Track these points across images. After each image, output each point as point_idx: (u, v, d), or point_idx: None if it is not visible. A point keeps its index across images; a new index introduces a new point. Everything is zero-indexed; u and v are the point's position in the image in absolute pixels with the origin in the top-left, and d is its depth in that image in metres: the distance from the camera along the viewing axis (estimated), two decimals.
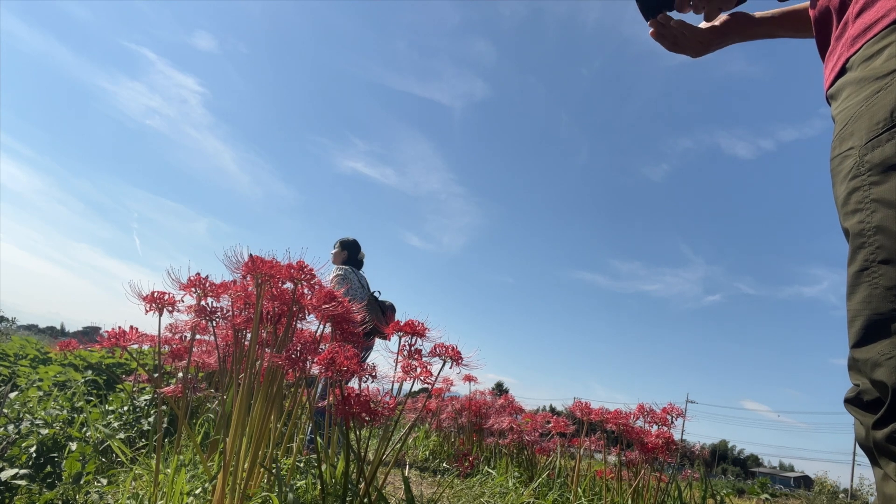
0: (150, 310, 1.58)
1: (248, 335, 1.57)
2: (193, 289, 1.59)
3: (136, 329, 1.66)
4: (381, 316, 3.83)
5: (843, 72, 0.72)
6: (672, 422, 2.54)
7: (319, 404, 2.24)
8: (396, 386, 1.50)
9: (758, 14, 1.08)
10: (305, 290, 1.53)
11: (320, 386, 2.34)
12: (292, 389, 1.75)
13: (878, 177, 0.61)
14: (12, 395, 2.52)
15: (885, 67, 0.63)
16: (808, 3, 0.99)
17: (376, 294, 4.06)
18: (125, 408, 2.49)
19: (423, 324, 1.46)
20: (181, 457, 1.60)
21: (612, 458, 2.79)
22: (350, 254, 4.18)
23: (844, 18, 0.72)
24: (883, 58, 0.64)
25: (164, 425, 2.13)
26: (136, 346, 1.75)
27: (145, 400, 2.56)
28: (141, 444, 2.15)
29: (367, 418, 1.29)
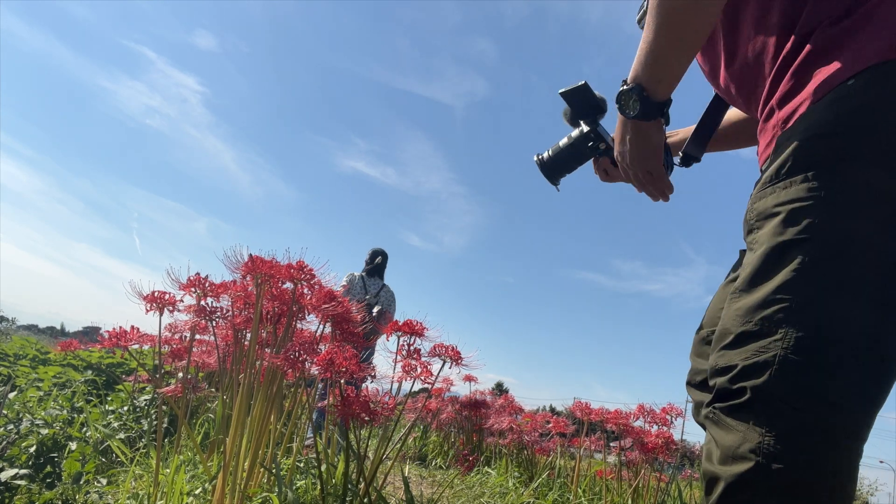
0: (151, 309, 1.58)
1: (248, 335, 1.57)
2: (193, 289, 1.59)
3: (137, 329, 1.66)
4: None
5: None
6: (672, 422, 2.54)
7: (319, 404, 2.24)
8: (396, 386, 1.50)
9: (679, 132, 1.21)
10: (305, 290, 1.53)
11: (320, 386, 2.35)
12: (292, 389, 1.75)
13: (761, 222, 0.76)
14: (12, 395, 2.52)
15: (785, 136, 0.77)
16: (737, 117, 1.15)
17: (372, 302, 4.38)
18: (125, 408, 2.49)
19: (421, 323, 1.46)
20: (181, 457, 1.60)
21: (612, 458, 2.79)
22: (366, 260, 4.79)
23: (770, 106, 0.85)
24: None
25: (165, 425, 2.13)
26: (136, 346, 1.75)
27: (145, 400, 2.56)
28: (141, 444, 2.15)
29: (366, 418, 1.29)
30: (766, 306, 0.70)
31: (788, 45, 0.81)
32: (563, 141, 1.15)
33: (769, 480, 0.64)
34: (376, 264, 4.70)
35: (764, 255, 0.72)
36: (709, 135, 1.13)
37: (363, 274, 4.65)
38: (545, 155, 1.18)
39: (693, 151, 1.14)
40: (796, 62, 0.79)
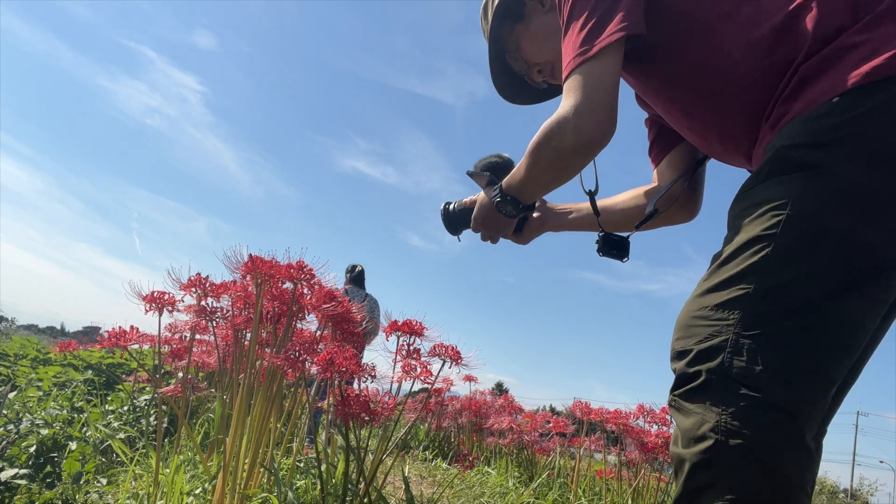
0: (151, 309, 1.58)
1: (248, 335, 1.57)
2: (193, 289, 1.59)
3: (137, 329, 1.66)
4: None
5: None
6: (672, 421, 2.53)
7: (318, 404, 2.24)
8: (395, 386, 1.50)
9: (571, 209, 1.29)
10: (305, 290, 1.53)
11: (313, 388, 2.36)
12: (292, 389, 1.75)
13: (735, 222, 0.79)
14: (12, 395, 2.52)
15: (769, 147, 0.81)
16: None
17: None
18: (125, 408, 2.49)
19: (420, 323, 1.46)
20: (181, 457, 1.60)
21: (612, 458, 2.79)
22: (346, 273, 5.16)
23: (763, 131, 0.88)
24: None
25: (165, 425, 2.13)
26: (136, 346, 1.75)
27: (145, 400, 2.56)
28: (141, 444, 2.15)
29: (366, 418, 1.29)
30: (723, 292, 0.74)
31: (781, 84, 0.85)
32: (468, 200, 1.24)
33: (729, 456, 0.68)
34: (357, 273, 5.03)
35: (732, 249, 0.77)
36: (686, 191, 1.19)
37: (346, 287, 5.00)
38: (452, 206, 1.26)
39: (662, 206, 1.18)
40: (786, 92, 0.83)
